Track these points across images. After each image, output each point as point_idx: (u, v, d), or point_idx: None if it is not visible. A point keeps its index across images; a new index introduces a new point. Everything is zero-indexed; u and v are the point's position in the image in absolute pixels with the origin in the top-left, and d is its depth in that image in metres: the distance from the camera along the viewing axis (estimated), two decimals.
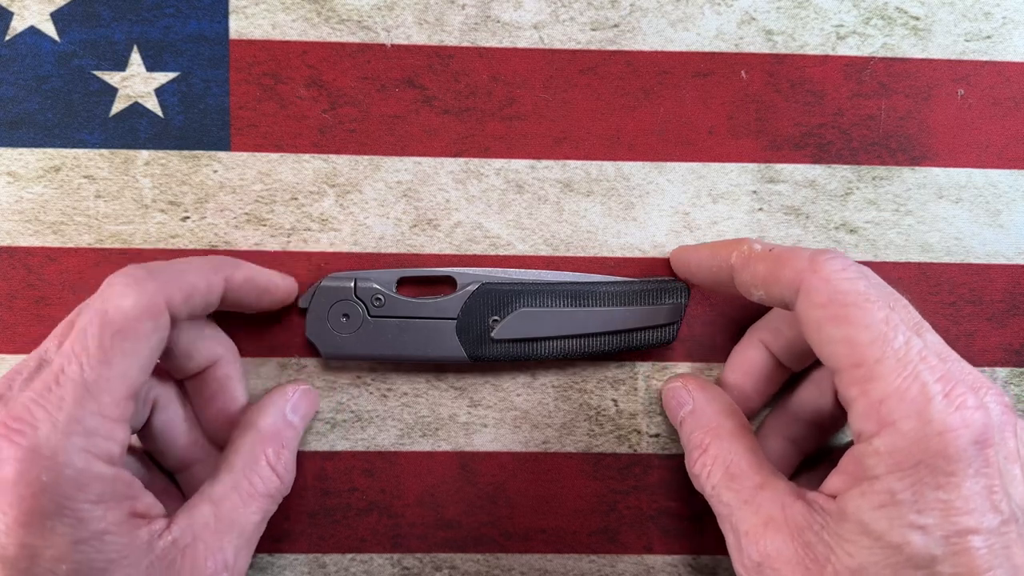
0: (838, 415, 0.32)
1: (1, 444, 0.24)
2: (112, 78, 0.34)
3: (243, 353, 0.34)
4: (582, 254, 0.34)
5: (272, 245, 0.34)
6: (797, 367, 0.33)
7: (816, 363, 0.33)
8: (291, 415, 0.32)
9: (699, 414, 0.31)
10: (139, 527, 0.26)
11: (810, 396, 0.32)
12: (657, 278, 0.34)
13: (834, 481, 0.26)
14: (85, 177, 0.34)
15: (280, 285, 0.32)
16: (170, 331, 0.28)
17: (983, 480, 0.23)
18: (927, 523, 0.23)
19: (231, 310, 0.32)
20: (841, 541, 0.25)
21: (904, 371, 0.24)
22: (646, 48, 0.34)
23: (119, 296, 0.26)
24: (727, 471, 0.29)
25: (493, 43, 0.34)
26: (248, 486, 0.29)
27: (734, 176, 0.35)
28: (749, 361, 0.33)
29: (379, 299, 0.33)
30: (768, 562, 0.26)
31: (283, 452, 0.31)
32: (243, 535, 0.29)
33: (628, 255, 0.35)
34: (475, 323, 0.33)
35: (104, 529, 0.25)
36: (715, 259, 0.31)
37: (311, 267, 0.34)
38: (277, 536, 0.34)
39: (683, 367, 0.35)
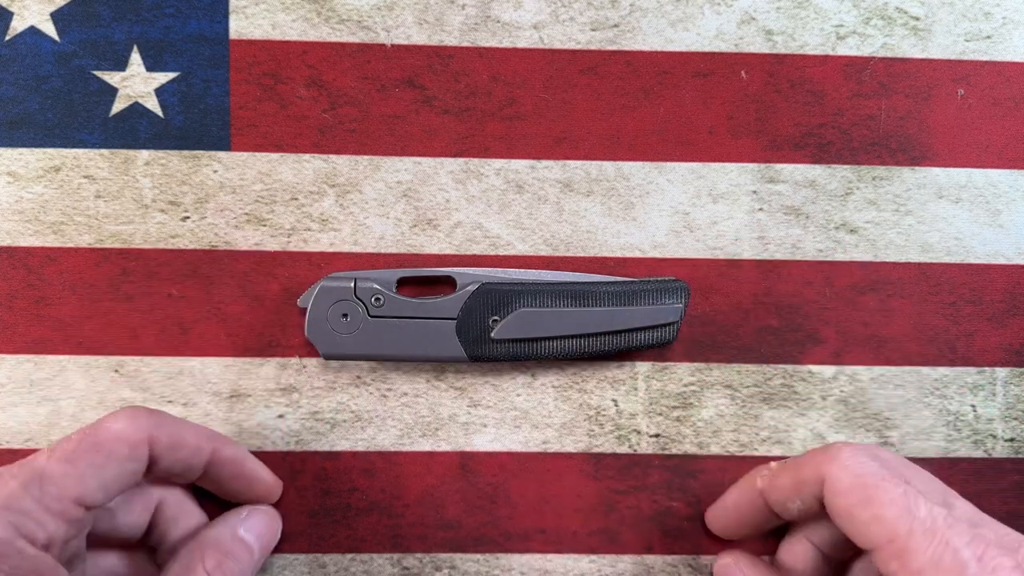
0: None
1: None
2: (112, 78, 0.34)
3: (243, 353, 0.34)
4: (582, 254, 0.34)
5: (272, 245, 0.34)
6: (842, 556, 0.33)
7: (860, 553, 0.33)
8: (244, 532, 0.31)
9: None
10: None
11: None
12: (657, 278, 0.34)
13: None
14: (85, 177, 0.34)
15: (266, 480, 0.33)
16: (146, 470, 0.28)
17: None
18: None
19: (207, 488, 0.32)
20: None
21: (934, 540, 0.25)
22: (646, 48, 0.34)
23: (112, 419, 0.28)
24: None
25: (493, 43, 0.34)
26: None
27: (734, 176, 0.35)
28: (795, 554, 0.33)
29: (379, 299, 0.33)
30: None
31: (227, 562, 0.30)
32: None
33: (628, 255, 0.35)
34: (475, 323, 0.33)
35: None
36: (744, 497, 0.32)
37: (311, 267, 0.34)
38: None
39: (683, 367, 0.35)
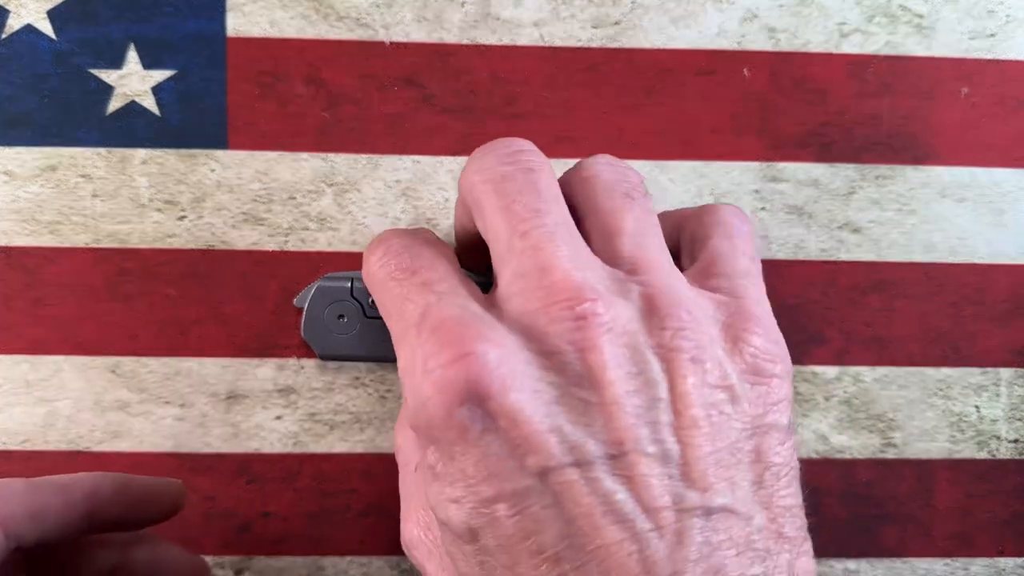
0: None
1: None
2: (109, 76, 0.33)
3: (241, 353, 0.34)
4: None
5: (270, 245, 0.34)
6: None
7: None
8: None
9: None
10: None
11: None
12: None
13: None
14: (82, 176, 0.34)
15: (163, 490, 0.29)
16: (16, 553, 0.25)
17: (495, 438, 0.20)
18: (458, 495, 0.21)
19: (111, 531, 0.28)
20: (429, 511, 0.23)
21: (408, 341, 0.22)
22: (648, 46, 0.34)
23: None
24: (402, 460, 0.27)
25: (493, 41, 0.34)
26: None
27: (736, 175, 0.35)
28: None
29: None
30: (408, 550, 0.25)
31: None
32: None
33: None
34: None
35: None
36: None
37: (309, 266, 0.34)
38: (275, 538, 0.34)
39: None
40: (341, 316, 0.32)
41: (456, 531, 0.21)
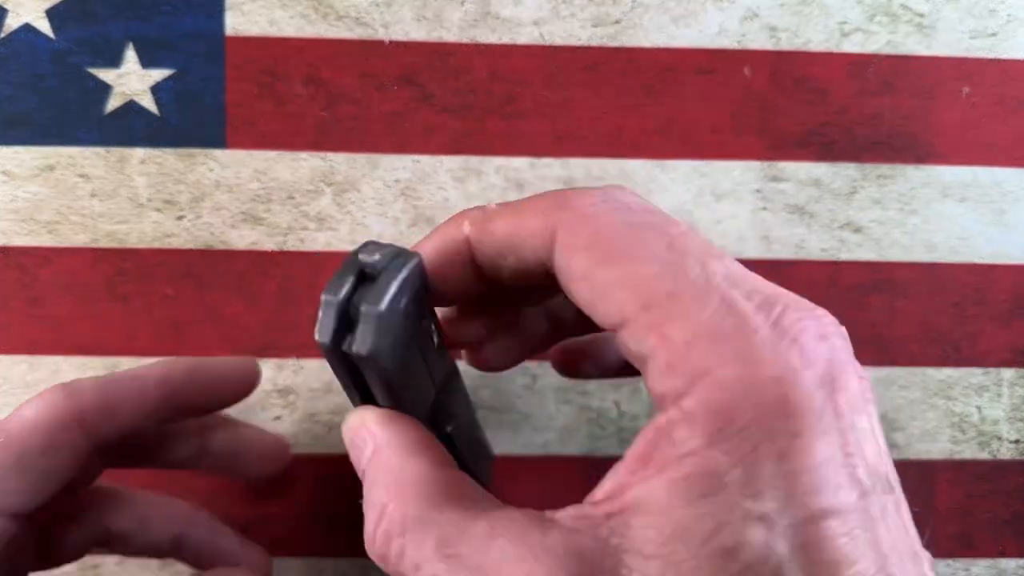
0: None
1: None
2: (107, 75, 0.33)
3: (238, 352, 0.33)
4: None
5: (268, 244, 0.34)
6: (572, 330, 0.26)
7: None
8: None
9: (381, 458, 0.21)
10: None
11: None
12: None
13: (614, 480, 0.18)
14: (80, 176, 0.33)
15: (236, 370, 0.28)
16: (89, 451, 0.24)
17: (836, 438, 0.17)
18: (768, 510, 0.16)
19: (187, 417, 0.28)
20: (642, 559, 0.16)
21: (711, 301, 0.17)
22: (648, 45, 0.34)
23: (25, 405, 0.24)
24: (441, 537, 0.19)
25: (493, 40, 0.34)
26: None
27: (737, 174, 0.34)
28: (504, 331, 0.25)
29: None
30: None
31: None
32: None
33: None
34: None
35: None
36: (445, 244, 0.22)
37: (308, 266, 0.34)
38: (275, 540, 0.34)
39: None
40: None
41: (749, 562, 0.16)
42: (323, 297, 0.20)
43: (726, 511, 0.16)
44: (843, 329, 0.19)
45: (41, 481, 0.23)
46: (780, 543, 0.16)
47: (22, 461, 0.23)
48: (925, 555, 0.18)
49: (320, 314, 0.20)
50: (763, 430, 0.16)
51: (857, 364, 0.18)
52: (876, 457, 0.17)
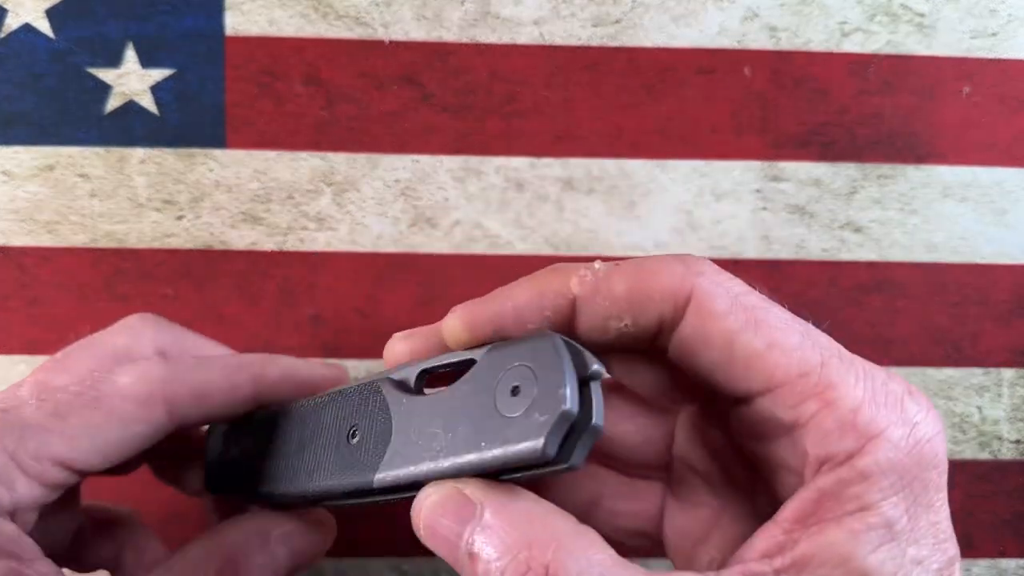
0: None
1: None
2: (107, 75, 0.33)
3: (237, 350, 0.33)
4: (583, 253, 0.34)
5: (268, 244, 0.34)
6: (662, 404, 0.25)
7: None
8: (275, 544, 0.25)
9: (502, 523, 0.19)
10: None
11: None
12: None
13: (769, 539, 0.19)
14: (80, 176, 0.33)
15: (327, 377, 0.27)
16: (169, 429, 0.24)
17: (945, 496, 0.19)
18: (923, 556, 0.19)
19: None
20: None
21: (857, 371, 0.19)
22: (648, 44, 0.34)
23: (122, 369, 0.24)
24: None
25: (493, 39, 0.34)
26: None
27: (737, 174, 0.34)
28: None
29: None
30: None
31: None
32: None
33: (630, 254, 0.34)
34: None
35: None
36: (543, 301, 0.21)
37: (307, 266, 0.34)
38: None
39: None
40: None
41: None
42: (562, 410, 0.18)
43: (899, 556, 0.18)
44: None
45: (115, 448, 0.23)
46: None
47: (106, 425, 0.23)
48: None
49: (550, 426, 0.18)
50: (920, 485, 0.19)
51: None
52: None
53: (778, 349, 0.19)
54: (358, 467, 0.22)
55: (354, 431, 0.22)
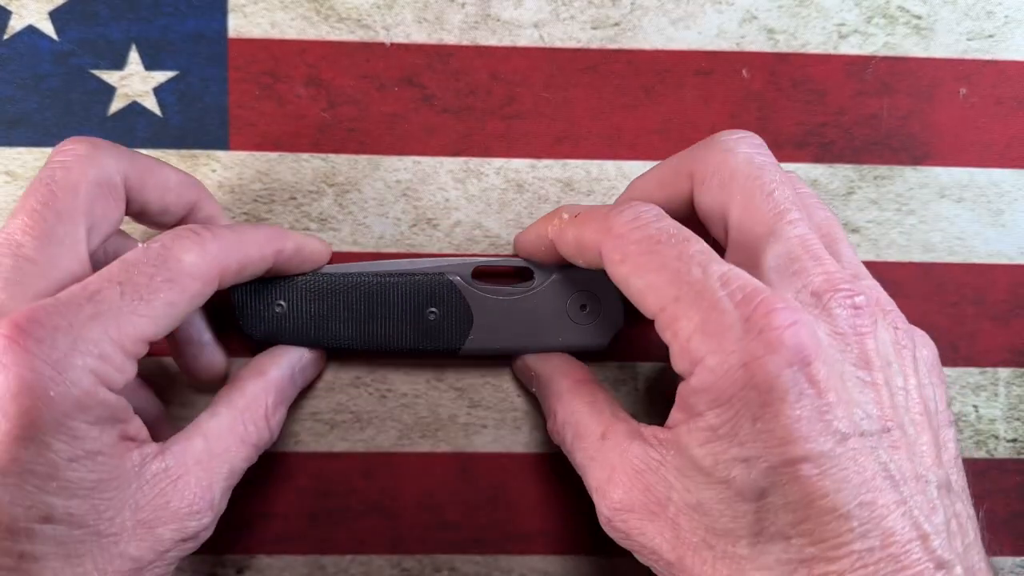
0: None
1: (10, 348, 0.22)
2: (110, 77, 0.34)
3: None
4: None
5: None
6: None
7: None
8: (298, 376, 0.32)
9: (543, 382, 0.31)
10: (130, 450, 0.25)
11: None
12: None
13: (673, 415, 0.25)
14: None
15: (323, 251, 0.32)
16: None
17: (808, 403, 0.22)
18: (749, 455, 0.22)
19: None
20: (680, 477, 0.24)
21: (703, 303, 0.23)
22: (647, 47, 0.34)
23: (180, 246, 0.26)
24: (575, 432, 0.28)
25: (493, 42, 0.34)
26: (243, 431, 0.29)
27: None
28: None
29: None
30: (617, 516, 0.25)
31: (280, 408, 0.30)
32: (231, 476, 0.28)
33: None
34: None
35: (97, 450, 0.24)
36: (540, 238, 0.30)
37: None
38: (276, 538, 0.34)
39: None
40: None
41: (739, 489, 0.23)
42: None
43: (720, 453, 0.23)
44: (808, 316, 0.23)
45: (182, 320, 0.26)
46: (760, 479, 0.22)
47: (181, 302, 0.26)
48: (938, 474, 0.23)
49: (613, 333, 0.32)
50: (741, 401, 0.22)
51: (834, 342, 0.23)
52: (871, 407, 0.23)
53: (650, 289, 0.24)
54: (443, 338, 0.32)
55: (431, 311, 0.31)
